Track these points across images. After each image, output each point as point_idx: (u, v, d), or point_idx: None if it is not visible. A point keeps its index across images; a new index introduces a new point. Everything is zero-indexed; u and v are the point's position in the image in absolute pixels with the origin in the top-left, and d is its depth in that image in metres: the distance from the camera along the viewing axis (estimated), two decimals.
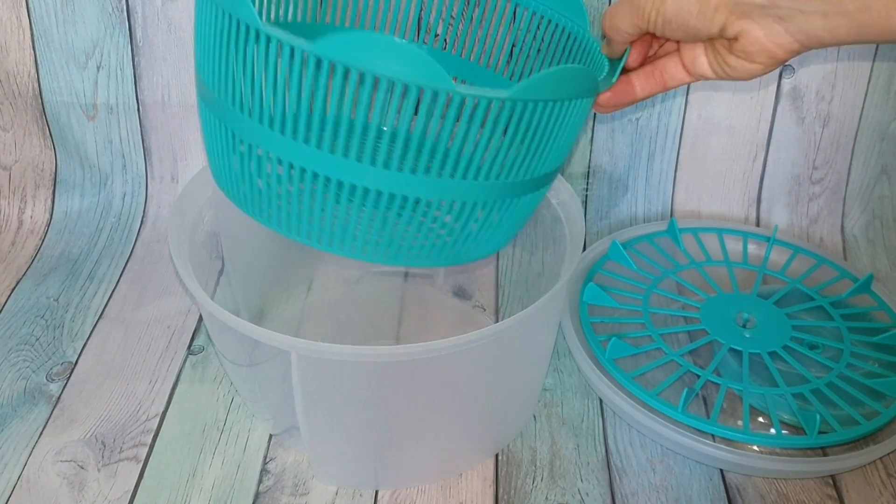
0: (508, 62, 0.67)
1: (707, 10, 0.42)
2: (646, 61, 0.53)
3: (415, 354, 0.52)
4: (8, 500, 0.58)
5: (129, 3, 0.78)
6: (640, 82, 0.51)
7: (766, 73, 0.44)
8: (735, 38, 0.42)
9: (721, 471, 0.62)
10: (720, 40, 0.44)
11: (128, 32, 0.79)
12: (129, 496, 0.59)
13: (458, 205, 0.49)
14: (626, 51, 0.53)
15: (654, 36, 0.50)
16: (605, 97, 0.51)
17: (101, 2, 0.78)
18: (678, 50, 0.49)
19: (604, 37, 0.54)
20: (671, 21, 0.44)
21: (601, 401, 0.67)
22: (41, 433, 0.63)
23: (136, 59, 0.80)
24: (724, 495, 0.61)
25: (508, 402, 0.63)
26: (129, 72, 0.81)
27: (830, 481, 0.62)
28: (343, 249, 0.51)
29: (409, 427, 0.59)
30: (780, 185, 0.85)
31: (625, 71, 0.54)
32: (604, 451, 0.64)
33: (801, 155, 0.84)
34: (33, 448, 0.62)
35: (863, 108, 0.82)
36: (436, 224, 0.50)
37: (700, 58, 0.47)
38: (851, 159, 0.84)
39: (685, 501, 0.60)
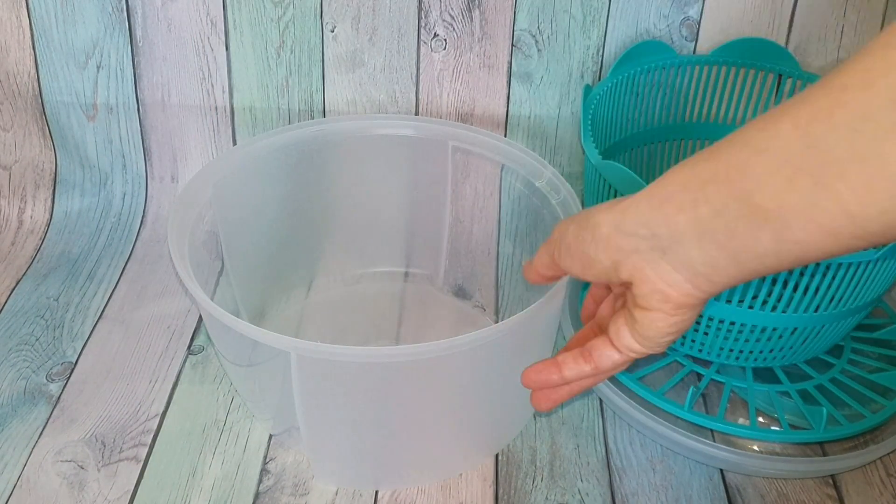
0: None
1: (599, 239, 0.39)
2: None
3: (415, 354, 0.52)
4: (8, 500, 0.58)
5: (129, 3, 0.78)
6: (568, 363, 0.46)
7: (673, 330, 0.40)
8: (630, 282, 0.40)
9: (721, 471, 0.62)
10: (630, 295, 0.41)
11: (128, 32, 0.79)
12: (129, 496, 0.59)
13: (800, 329, 0.63)
14: None
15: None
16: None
17: (101, 2, 0.78)
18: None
19: None
20: (570, 247, 0.42)
21: (601, 401, 0.67)
22: (41, 433, 0.63)
23: (136, 59, 0.80)
24: (724, 495, 0.61)
25: (508, 402, 0.62)
26: (129, 72, 0.81)
27: (830, 481, 0.62)
28: (729, 360, 0.67)
29: (409, 427, 0.59)
30: None
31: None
32: (604, 451, 0.64)
33: None
34: (33, 448, 0.62)
35: None
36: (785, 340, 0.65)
37: (622, 328, 0.42)
38: None
39: (685, 501, 0.60)
